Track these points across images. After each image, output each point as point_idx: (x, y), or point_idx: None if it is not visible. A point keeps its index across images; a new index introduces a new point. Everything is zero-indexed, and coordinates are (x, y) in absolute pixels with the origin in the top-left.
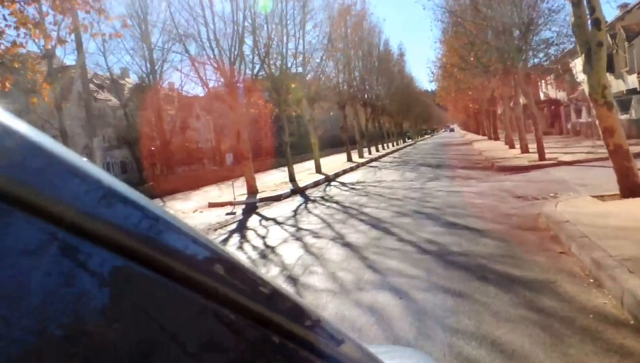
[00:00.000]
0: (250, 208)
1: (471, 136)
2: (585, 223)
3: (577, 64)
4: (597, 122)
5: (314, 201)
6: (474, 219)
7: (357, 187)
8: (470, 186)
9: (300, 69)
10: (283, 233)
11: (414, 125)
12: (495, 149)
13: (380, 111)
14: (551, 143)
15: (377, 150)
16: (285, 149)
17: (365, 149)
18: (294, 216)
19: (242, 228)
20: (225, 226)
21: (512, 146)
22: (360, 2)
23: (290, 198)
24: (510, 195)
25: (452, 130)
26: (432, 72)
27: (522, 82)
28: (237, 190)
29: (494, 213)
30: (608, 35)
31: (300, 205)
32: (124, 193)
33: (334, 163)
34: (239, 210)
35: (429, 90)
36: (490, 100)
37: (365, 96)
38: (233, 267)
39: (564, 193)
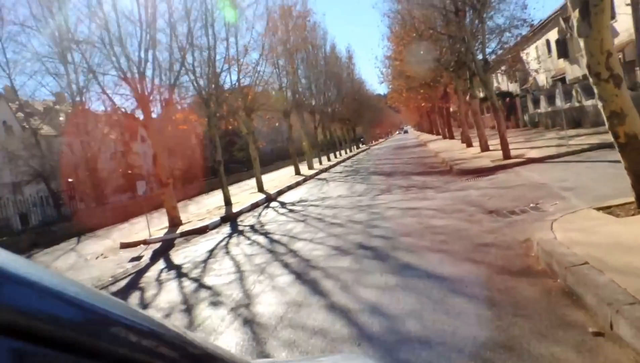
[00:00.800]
0: (164, 248)
1: (425, 136)
2: (617, 265)
3: (532, 52)
4: (599, 105)
5: (241, 232)
6: (436, 257)
7: (297, 208)
8: (428, 199)
9: (233, 77)
10: (176, 294)
11: (368, 130)
12: (452, 149)
13: (331, 118)
14: (511, 137)
15: (329, 159)
16: (218, 168)
17: (317, 159)
18: (207, 259)
19: (132, 286)
20: (117, 281)
21: (469, 145)
22: (301, 2)
23: (217, 229)
24: (480, 209)
25: (406, 132)
26: (382, 72)
27: (480, 71)
28: (162, 222)
29: (463, 241)
30: (561, 19)
31: (221, 241)
32: None
33: (280, 177)
34: (149, 252)
35: (381, 93)
36: (443, 97)
37: (313, 102)
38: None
39: (547, 202)
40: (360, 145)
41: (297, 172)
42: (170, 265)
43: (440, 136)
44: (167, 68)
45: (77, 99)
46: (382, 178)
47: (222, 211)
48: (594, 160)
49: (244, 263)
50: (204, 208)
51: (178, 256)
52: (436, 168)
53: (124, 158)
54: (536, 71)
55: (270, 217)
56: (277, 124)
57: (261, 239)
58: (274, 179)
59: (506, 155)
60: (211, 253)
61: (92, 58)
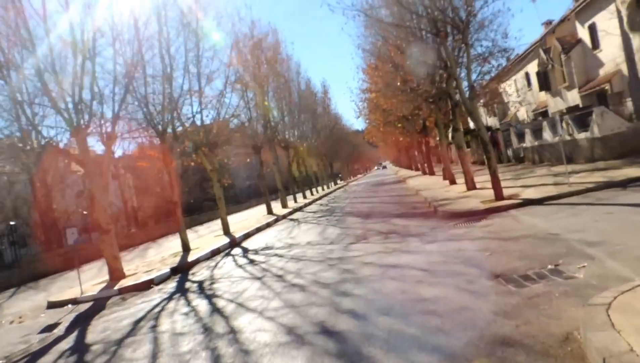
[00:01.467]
0: (92, 311)
1: (404, 172)
2: None
3: (511, 85)
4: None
5: (185, 292)
6: (432, 361)
7: (259, 258)
8: (412, 252)
9: (195, 109)
10: None
11: (345, 165)
12: (434, 186)
13: (306, 153)
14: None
15: (304, 196)
16: (174, 210)
17: (293, 197)
18: (125, 338)
19: None
20: None
21: (453, 182)
22: (272, 34)
23: (163, 284)
24: (482, 272)
25: (384, 167)
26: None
27: (466, 99)
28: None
29: (468, 333)
30: (541, 50)
31: (156, 306)
32: None
33: (252, 217)
34: (72, 316)
35: (359, 129)
36: (422, 131)
37: (287, 136)
38: None
39: (570, 262)
40: (338, 181)
41: (270, 211)
42: (78, 345)
43: (420, 172)
44: (111, 97)
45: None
46: (358, 220)
47: (177, 260)
48: (607, 203)
49: (164, 350)
50: (163, 253)
51: (98, 327)
52: (418, 208)
53: (84, 199)
54: (519, 103)
55: (226, 270)
56: (248, 160)
57: (203, 305)
58: (245, 220)
59: (499, 195)
60: (136, 326)
61: (24, 87)
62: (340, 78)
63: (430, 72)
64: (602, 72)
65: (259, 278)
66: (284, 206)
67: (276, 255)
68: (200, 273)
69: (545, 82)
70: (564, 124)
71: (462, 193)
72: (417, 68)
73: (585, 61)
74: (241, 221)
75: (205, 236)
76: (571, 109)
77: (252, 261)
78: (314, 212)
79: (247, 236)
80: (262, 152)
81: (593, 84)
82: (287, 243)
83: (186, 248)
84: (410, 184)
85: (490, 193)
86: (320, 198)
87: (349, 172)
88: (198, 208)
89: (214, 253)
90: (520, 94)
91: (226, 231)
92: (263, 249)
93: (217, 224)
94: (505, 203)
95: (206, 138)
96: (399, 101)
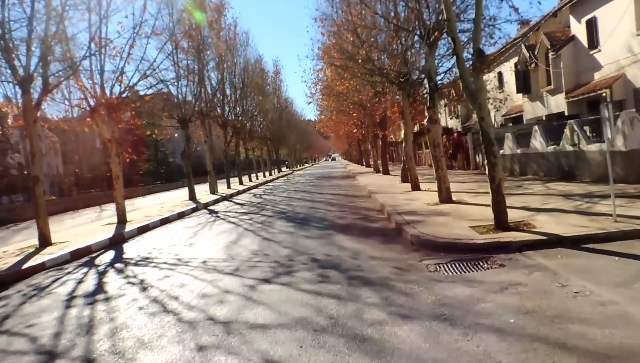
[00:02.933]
0: None
1: (354, 166)
2: None
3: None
4: None
5: None
6: None
7: (129, 273)
8: (375, 340)
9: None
10: None
11: (293, 153)
12: (391, 190)
13: (248, 135)
14: (468, 182)
15: (241, 182)
16: (34, 188)
17: (226, 181)
18: None
19: None
20: None
21: (416, 187)
22: None
23: None
24: None
25: (333, 159)
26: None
27: (467, 73)
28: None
29: None
30: (524, 46)
31: None
32: None
33: (169, 202)
34: None
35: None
36: (381, 123)
37: (227, 114)
38: None
39: None
40: (283, 169)
41: (192, 197)
42: None
43: (372, 169)
44: None
45: None
46: (290, 227)
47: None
48: None
49: None
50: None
51: None
52: (373, 220)
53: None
54: (501, 101)
55: (50, 303)
56: (176, 134)
57: None
58: (159, 204)
59: (502, 223)
60: None
61: None
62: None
63: (405, 44)
64: (597, 76)
65: (84, 338)
66: (213, 191)
67: (140, 284)
68: (17, 296)
69: (524, 84)
70: (567, 131)
71: (433, 205)
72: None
73: (578, 61)
74: (154, 205)
75: (92, 225)
76: (553, 117)
77: (101, 292)
78: (242, 205)
79: (143, 230)
80: (194, 127)
81: (585, 90)
82: (176, 257)
83: (44, 242)
84: (361, 182)
85: (477, 212)
86: (257, 186)
87: (296, 160)
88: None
89: (75, 256)
90: (490, 97)
91: (121, 219)
92: (139, 261)
93: (132, 204)
94: (514, 237)
95: (104, 97)
96: (359, 82)
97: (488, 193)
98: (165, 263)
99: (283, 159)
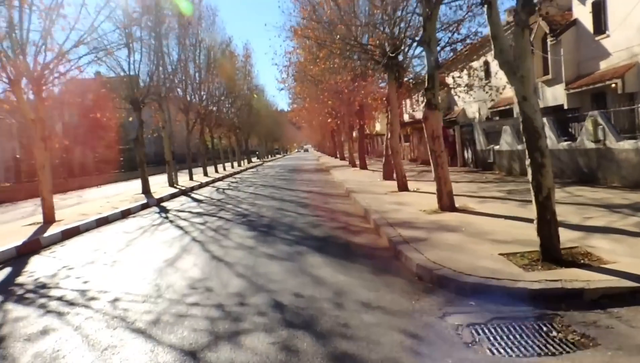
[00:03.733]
0: None
1: (327, 159)
2: None
3: (472, 71)
4: None
5: None
6: None
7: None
8: None
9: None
10: None
11: (264, 143)
12: (372, 188)
13: (214, 121)
14: (463, 182)
15: (206, 173)
16: None
17: (189, 172)
18: None
19: None
20: None
21: (403, 187)
22: None
23: None
24: None
25: (306, 151)
26: (281, 72)
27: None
28: None
29: None
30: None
31: None
32: None
33: (121, 195)
34: None
35: (284, 109)
36: (358, 112)
37: (190, 97)
38: None
39: None
40: (254, 159)
41: (146, 190)
42: None
43: (347, 163)
44: None
45: None
46: (251, 238)
47: None
48: None
49: None
50: None
51: None
52: (357, 231)
53: None
54: (498, 90)
55: None
56: (130, 118)
57: None
58: (109, 197)
59: (552, 252)
60: None
61: None
62: (267, 47)
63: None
64: (604, 65)
65: None
66: (172, 184)
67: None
68: None
69: None
70: (589, 124)
71: (432, 213)
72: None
73: (581, 49)
74: (102, 198)
75: (12, 225)
76: (549, 110)
77: None
78: (200, 202)
79: (70, 234)
80: (153, 111)
81: (590, 80)
82: (85, 286)
83: None
84: (336, 177)
85: (499, 229)
86: (223, 178)
87: (267, 151)
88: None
89: None
90: (474, 87)
91: (48, 219)
92: (32, 291)
93: (68, 198)
94: (583, 279)
95: (26, 69)
96: (336, 63)
97: (496, 198)
98: (60, 299)
99: (253, 149)
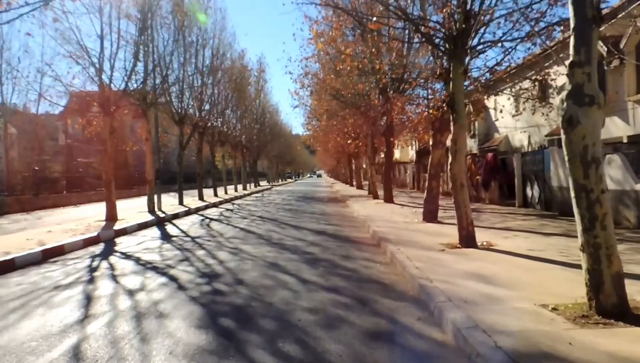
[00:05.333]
0: None
1: (341, 187)
2: None
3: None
4: None
5: None
6: None
7: None
8: None
9: None
10: None
11: (275, 165)
12: (411, 234)
13: (216, 138)
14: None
15: (202, 197)
16: None
17: (178, 196)
18: None
19: None
20: None
21: (467, 238)
22: None
23: None
24: None
25: (319, 176)
26: (294, 81)
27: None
28: None
29: None
30: (601, 42)
31: None
32: None
33: (86, 219)
34: None
35: (299, 133)
36: (387, 131)
37: (184, 105)
38: None
39: None
40: (263, 183)
41: (110, 216)
42: None
43: (364, 192)
44: None
45: None
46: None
47: None
48: None
49: None
50: None
51: None
52: (416, 341)
53: None
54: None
55: None
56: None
57: None
58: (66, 223)
59: None
60: None
61: None
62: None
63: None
64: None
65: None
66: (152, 209)
67: None
68: None
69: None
70: None
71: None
72: None
73: None
74: (60, 222)
75: None
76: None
77: None
78: (167, 240)
79: None
80: (140, 119)
81: None
82: None
83: None
84: (356, 211)
85: None
86: (219, 204)
87: (277, 174)
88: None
89: None
90: (522, 111)
91: None
92: None
93: (23, 219)
94: None
95: None
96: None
97: None
98: None
99: (263, 172)
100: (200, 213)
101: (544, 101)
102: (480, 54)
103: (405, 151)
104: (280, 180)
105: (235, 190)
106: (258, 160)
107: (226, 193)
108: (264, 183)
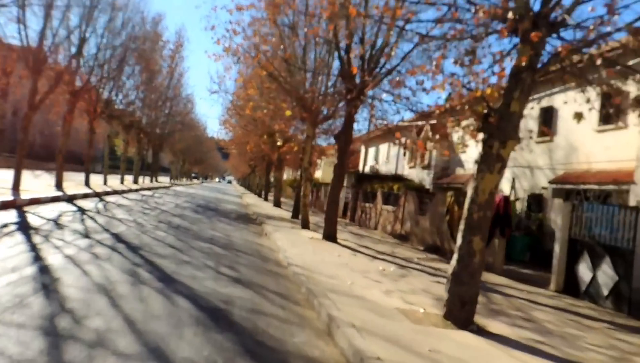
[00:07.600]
0: None
1: (253, 199)
2: None
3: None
4: None
5: None
6: None
7: None
8: None
9: None
10: None
11: (180, 162)
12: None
13: (105, 107)
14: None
15: (60, 185)
16: None
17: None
18: None
19: None
20: None
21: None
22: None
23: None
24: None
25: (229, 182)
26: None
27: None
28: None
29: None
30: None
31: None
32: None
33: None
34: None
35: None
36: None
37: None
38: None
39: None
40: (164, 179)
41: None
42: None
43: (287, 214)
44: None
45: None
46: None
47: None
48: None
49: None
50: None
51: None
52: None
53: None
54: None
55: None
56: None
57: None
58: None
59: None
60: None
61: None
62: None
63: None
64: None
65: None
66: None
67: None
68: None
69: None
70: None
71: None
72: None
73: None
74: None
75: None
76: None
77: None
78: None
79: None
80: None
81: None
82: None
83: None
84: (281, 249)
85: None
86: (72, 199)
87: (182, 172)
88: None
89: None
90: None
91: None
92: None
93: None
94: None
95: None
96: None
97: None
98: None
99: (166, 167)
100: (74, 204)
101: (547, 135)
102: None
103: (328, 171)
104: (184, 179)
105: (122, 182)
106: (161, 152)
107: (106, 183)
108: (164, 179)
